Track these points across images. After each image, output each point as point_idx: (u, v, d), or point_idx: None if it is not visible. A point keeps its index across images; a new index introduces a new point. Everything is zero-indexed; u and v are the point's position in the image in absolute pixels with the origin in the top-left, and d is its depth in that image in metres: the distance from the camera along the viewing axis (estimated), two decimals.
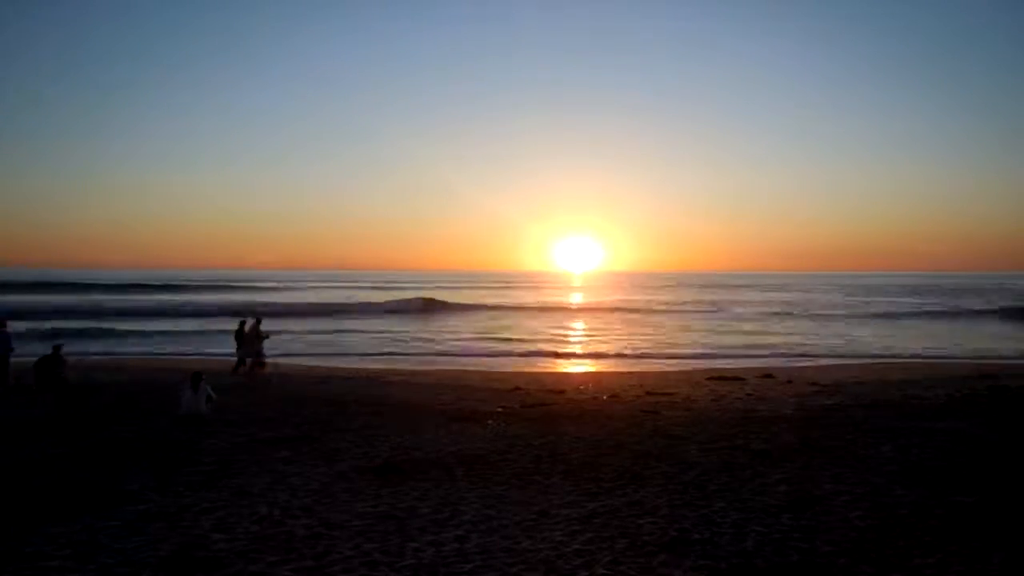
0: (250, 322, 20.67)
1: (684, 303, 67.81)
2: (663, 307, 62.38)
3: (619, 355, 29.16)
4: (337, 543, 6.37)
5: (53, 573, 5.77)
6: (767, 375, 21.07)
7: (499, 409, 13.88)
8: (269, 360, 21.00)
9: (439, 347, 31.40)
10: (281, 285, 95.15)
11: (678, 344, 33.33)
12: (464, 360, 27.34)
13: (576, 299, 76.41)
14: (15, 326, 20.38)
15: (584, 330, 41.92)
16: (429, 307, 58.25)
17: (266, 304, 53.05)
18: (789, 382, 19.27)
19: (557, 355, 29.00)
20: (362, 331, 38.14)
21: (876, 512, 7.02)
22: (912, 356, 28.24)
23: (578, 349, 31.61)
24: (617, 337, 36.83)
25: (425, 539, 6.46)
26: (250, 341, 20.22)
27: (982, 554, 5.88)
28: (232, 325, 22.23)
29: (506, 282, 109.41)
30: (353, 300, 65.26)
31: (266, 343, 20.85)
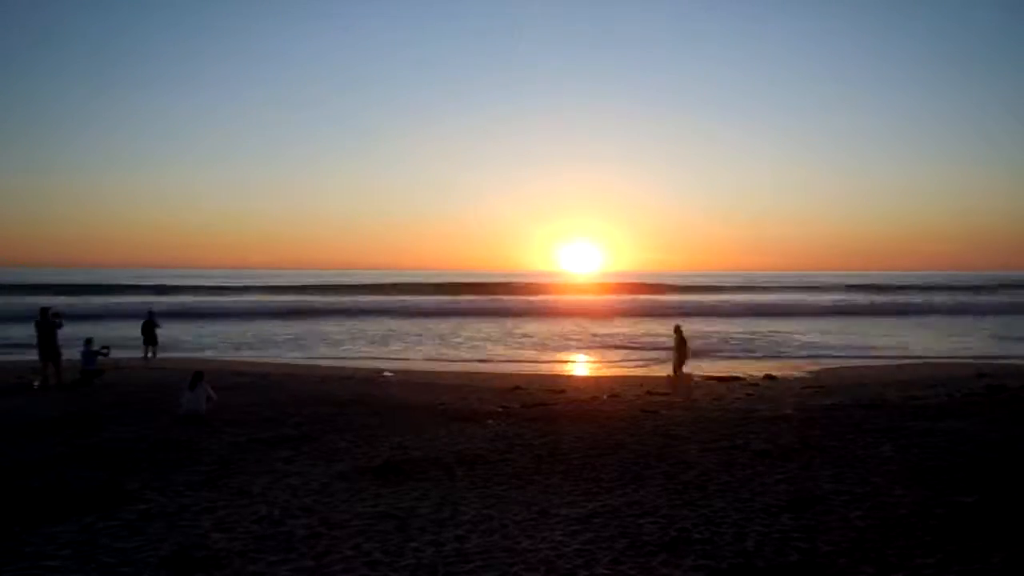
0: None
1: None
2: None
3: (620, 353, 29.17)
4: (337, 543, 6.37)
5: (53, 573, 5.77)
6: (767, 375, 21.08)
7: (499, 409, 13.88)
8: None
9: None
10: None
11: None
12: (463, 360, 27.37)
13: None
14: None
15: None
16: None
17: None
18: (789, 382, 19.28)
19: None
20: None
21: (876, 512, 7.02)
22: (912, 356, 28.25)
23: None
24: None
25: (425, 539, 6.46)
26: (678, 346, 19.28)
27: (982, 554, 5.88)
28: None
29: (531, 282, 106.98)
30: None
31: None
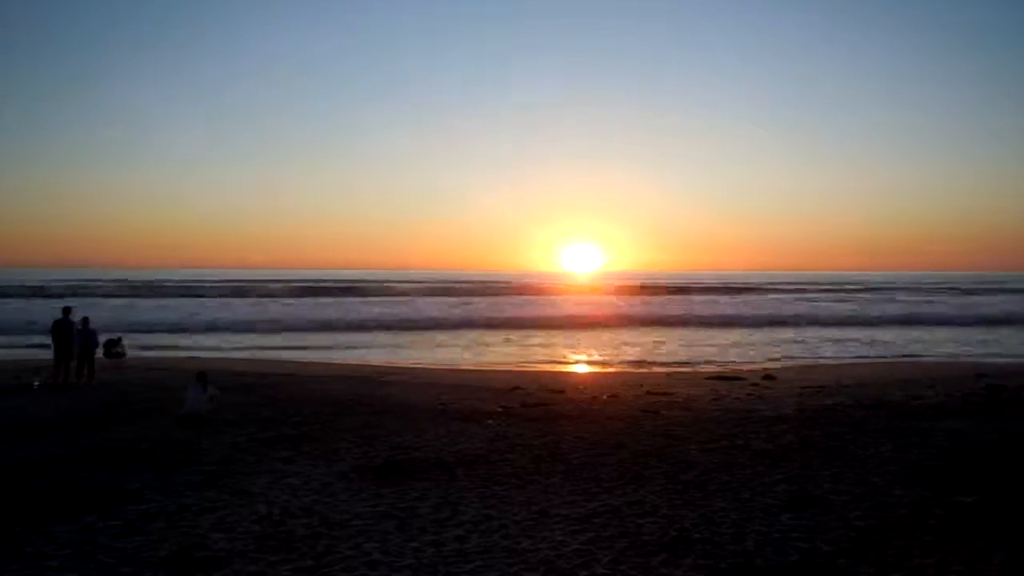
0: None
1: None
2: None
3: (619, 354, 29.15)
4: (337, 543, 6.38)
5: (53, 573, 5.78)
6: (767, 375, 21.07)
7: (499, 409, 13.88)
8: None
9: None
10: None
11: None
12: (463, 359, 27.37)
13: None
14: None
15: None
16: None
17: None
18: (790, 382, 19.27)
19: None
20: None
21: (876, 512, 7.03)
22: (912, 356, 28.24)
23: None
24: None
25: (425, 539, 6.47)
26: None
27: (982, 554, 5.89)
28: None
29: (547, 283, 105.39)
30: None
31: None
